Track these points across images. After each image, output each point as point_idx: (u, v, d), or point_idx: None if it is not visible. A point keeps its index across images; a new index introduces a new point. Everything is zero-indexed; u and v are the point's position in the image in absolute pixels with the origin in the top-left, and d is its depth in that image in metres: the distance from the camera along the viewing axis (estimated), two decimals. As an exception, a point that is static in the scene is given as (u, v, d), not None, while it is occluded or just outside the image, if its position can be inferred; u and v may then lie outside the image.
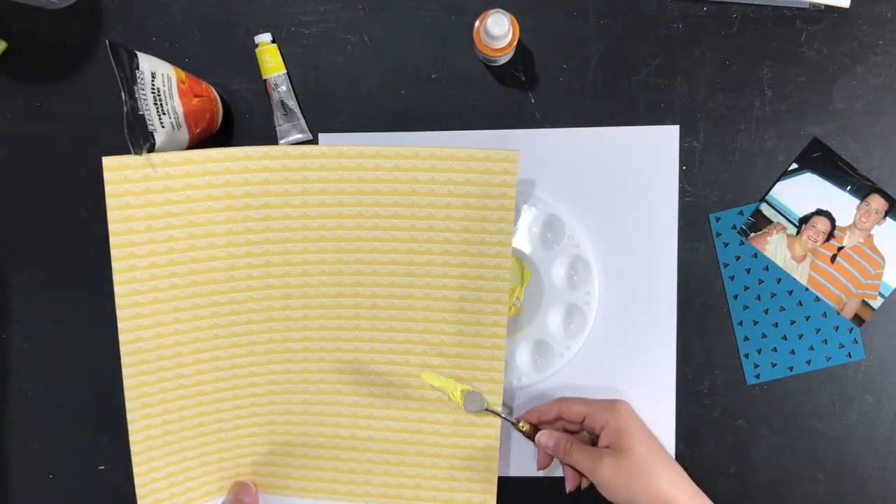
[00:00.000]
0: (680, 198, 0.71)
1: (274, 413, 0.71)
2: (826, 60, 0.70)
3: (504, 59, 0.69)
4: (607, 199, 0.72)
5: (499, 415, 0.68)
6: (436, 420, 0.70)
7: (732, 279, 0.72)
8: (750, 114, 0.71)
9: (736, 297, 0.72)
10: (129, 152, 0.62)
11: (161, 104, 0.64)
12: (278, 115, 0.72)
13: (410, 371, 0.70)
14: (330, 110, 0.73)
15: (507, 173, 0.66)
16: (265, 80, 0.72)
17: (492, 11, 0.65)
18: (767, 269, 0.71)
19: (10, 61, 0.73)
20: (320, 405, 0.71)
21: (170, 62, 0.67)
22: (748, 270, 0.72)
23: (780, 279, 0.71)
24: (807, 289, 0.71)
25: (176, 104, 0.65)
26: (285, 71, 0.72)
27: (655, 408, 0.72)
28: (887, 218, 0.71)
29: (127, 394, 0.68)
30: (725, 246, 0.72)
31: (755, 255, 0.71)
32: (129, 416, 0.68)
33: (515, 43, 0.67)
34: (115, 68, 0.61)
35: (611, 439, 0.66)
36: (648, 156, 0.71)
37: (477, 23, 0.67)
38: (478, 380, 0.69)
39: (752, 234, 0.71)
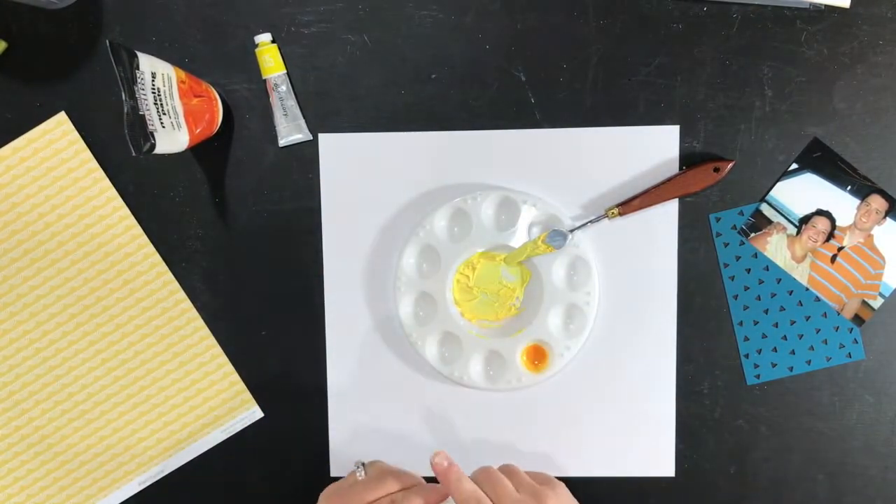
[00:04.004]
0: (680, 198, 0.71)
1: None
2: (826, 60, 0.70)
3: None
4: (607, 199, 0.72)
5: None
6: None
7: (732, 279, 0.72)
8: (750, 114, 0.71)
9: (736, 297, 0.72)
10: (129, 152, 0.62)
11: (161, 104, 0.64)
12: (278, 115, 0.72)
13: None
14: (330, 110, 0.73)
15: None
16: (265, 80, 0.72)
17: None
18: (767, 270, 0.71)
19: (10, 61, 0.73)
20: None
21: (170, 62, 0.66)
22: (748, 271, 0.72)
23: (780, 279, 0.71)
24: (807, 289, 0.71)
25: (176, 104, 0.65)
26: (285, 71, 0.72)
27: (655, 408, 0.72)
28: (887, 218, 0.71)
29: None
30: (725, 246, 0.72)
31: (755, 256, 0.71)
32: None
33: None
34: (115, 68, 0.60)
35: None
36: (648, 156, 0.71)
37: None
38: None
39: (753, 235, 0.71)
